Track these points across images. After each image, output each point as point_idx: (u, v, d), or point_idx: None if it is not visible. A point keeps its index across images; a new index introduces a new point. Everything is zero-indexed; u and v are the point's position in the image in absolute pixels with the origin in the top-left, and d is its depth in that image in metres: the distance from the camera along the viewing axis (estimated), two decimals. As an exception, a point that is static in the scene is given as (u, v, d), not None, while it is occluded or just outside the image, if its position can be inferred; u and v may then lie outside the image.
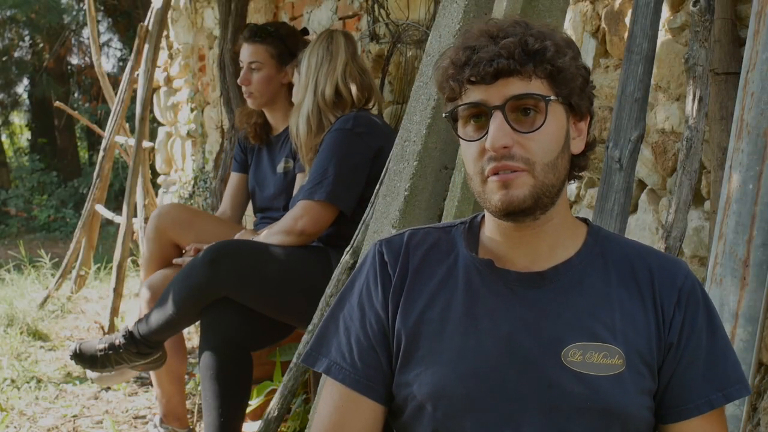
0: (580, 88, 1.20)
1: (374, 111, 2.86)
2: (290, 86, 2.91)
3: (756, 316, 1.63)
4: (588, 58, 2.50)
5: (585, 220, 1.29)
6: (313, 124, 2.66)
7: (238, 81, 2.94)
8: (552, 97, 1.16)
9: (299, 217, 2.55)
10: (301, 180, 2.81)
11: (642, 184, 2.34)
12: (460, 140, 1.21)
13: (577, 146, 1.23)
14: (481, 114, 1.16)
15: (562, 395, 1.15)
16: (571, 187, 2.56)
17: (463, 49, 1.17)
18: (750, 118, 1.68)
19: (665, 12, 2.14)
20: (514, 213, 1.16)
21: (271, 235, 2.60)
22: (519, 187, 1.14)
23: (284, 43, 2.93)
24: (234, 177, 3.15)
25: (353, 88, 2.68)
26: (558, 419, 1.15)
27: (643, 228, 2.31)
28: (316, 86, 2.67)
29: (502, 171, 1.14)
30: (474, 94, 1.16)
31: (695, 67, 1.83)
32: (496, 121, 1.14)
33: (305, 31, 3.13)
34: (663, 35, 2.18)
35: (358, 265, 1.33)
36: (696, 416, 1.19)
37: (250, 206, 3.21)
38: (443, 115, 1.21)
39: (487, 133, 1.15)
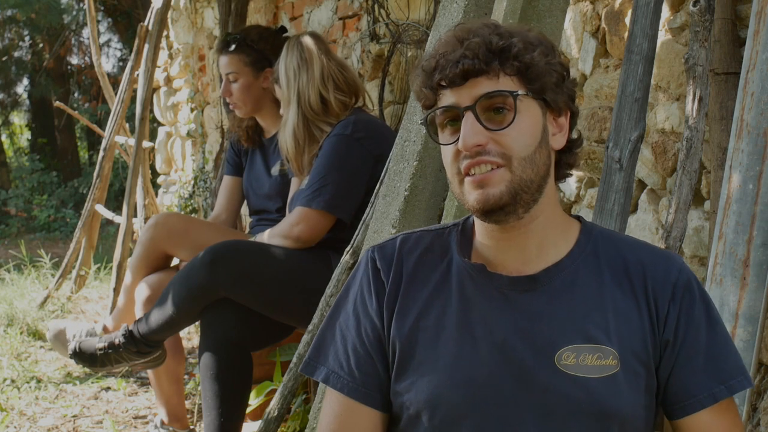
0: (555, 83, 1.20)
1: (369, 105, 2.82)
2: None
3: (756, 316, 1.63)
4: (588, 58, 2.50)
5: (579, 218, 1.29)
6: (300, 139, 2.63)
7: (220, 94, 2.94)
8: (520, 92, 1.16)
9: (295, 224, 2.55)
10: (295, 184, 2.80)
11: (642, 184, 2.34)
12: (440, 145, 1.21)
13: (558, 142, 1.23)
14: (455, 117, 1.17)
15: (558, 399, 1.15)
16: (572, 187, 2.56)
17: (432, 56, 1.19)
18: (750, 118, 1.68)
19: (665, 12, 2.14)
20: (492, 211, 1.16)
21: (268, 238, 2.60)
22: (495, 184, 1.15)
23: (254, 48, 2.90)
24: (227, 180, 3.14)
25: (337, 88, 2.65)
26: (554, 423, 1.15)
27: (643, 228, 2.31)
28: (300, 97, 2.63)
29: (477, 169, 1.15)
30: (447, 98, 1.17)
31: (695, 67, 1.82)
32: (468, 122, 1.15)
33: (283, 29, 3.08)
34: (663, 35, 2.18)
35: (352, 272, 1.33)
36: (700, 410, 1.19)
37: (245, 207, 3.21)
38: (419, 122, 1.22)
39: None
